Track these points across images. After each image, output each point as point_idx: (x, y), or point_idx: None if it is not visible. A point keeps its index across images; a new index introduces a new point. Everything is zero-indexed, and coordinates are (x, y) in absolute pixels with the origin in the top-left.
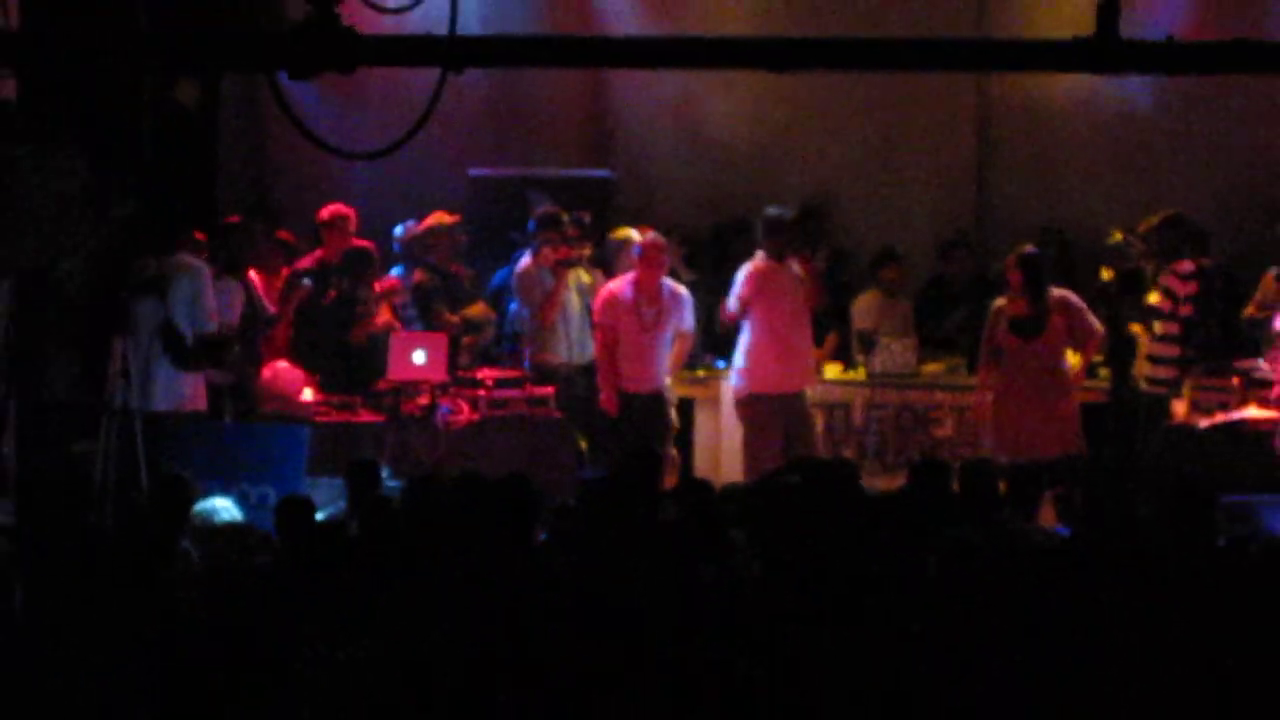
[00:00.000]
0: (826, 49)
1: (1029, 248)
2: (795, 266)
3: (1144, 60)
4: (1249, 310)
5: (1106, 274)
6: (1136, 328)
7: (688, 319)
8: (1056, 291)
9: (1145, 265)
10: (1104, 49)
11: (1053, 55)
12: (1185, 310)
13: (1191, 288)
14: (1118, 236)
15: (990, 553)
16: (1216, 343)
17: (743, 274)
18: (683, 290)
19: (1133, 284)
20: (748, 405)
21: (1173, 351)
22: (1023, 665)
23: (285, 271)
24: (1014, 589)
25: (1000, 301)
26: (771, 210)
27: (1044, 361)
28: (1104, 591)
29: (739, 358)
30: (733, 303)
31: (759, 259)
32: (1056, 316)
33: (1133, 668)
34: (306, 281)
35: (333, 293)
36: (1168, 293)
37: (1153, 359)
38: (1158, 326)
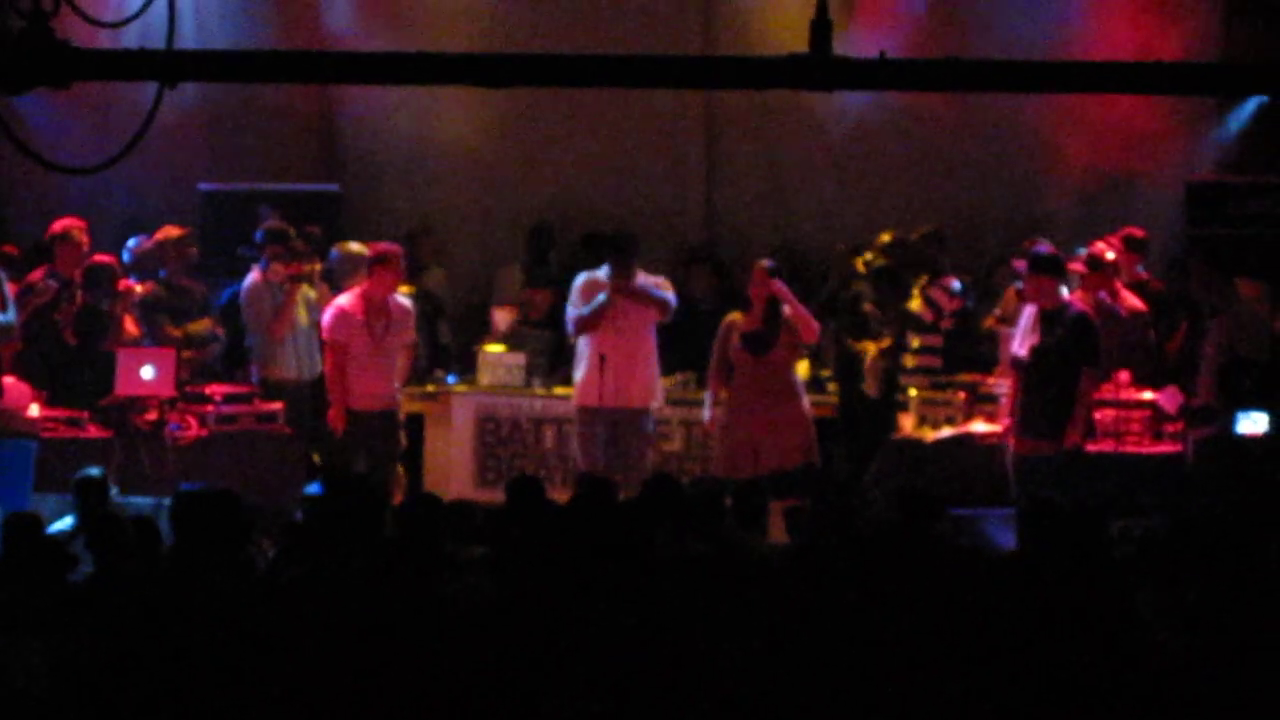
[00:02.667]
0: (547, 65)
1: (768, 262)
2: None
3: (857, 77)
4: (988, 321)
5: (860, 264)
6: (865, 344)
7: (413, 330)
8: (786, 309)
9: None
10: (818, 66)
11: (769, 72)
12: (947, 324)
13: (957, 304)
14: (885, 238)
15: (712, 564)
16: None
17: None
18: (407, 301)
19: (893, 284)
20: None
21: (934, 363)
22: (742, 674)
23: (12, 286)
24: (734, 600)
25: (733, 316)
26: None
27: (775, 374)
28: (822, 602)
29: None
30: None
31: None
32: (785, 332)
33: (850, 674)
34: (52, 281)
35: (73, 306)
36: (932, 304)
37: (914, 370)
38: (915, 340)
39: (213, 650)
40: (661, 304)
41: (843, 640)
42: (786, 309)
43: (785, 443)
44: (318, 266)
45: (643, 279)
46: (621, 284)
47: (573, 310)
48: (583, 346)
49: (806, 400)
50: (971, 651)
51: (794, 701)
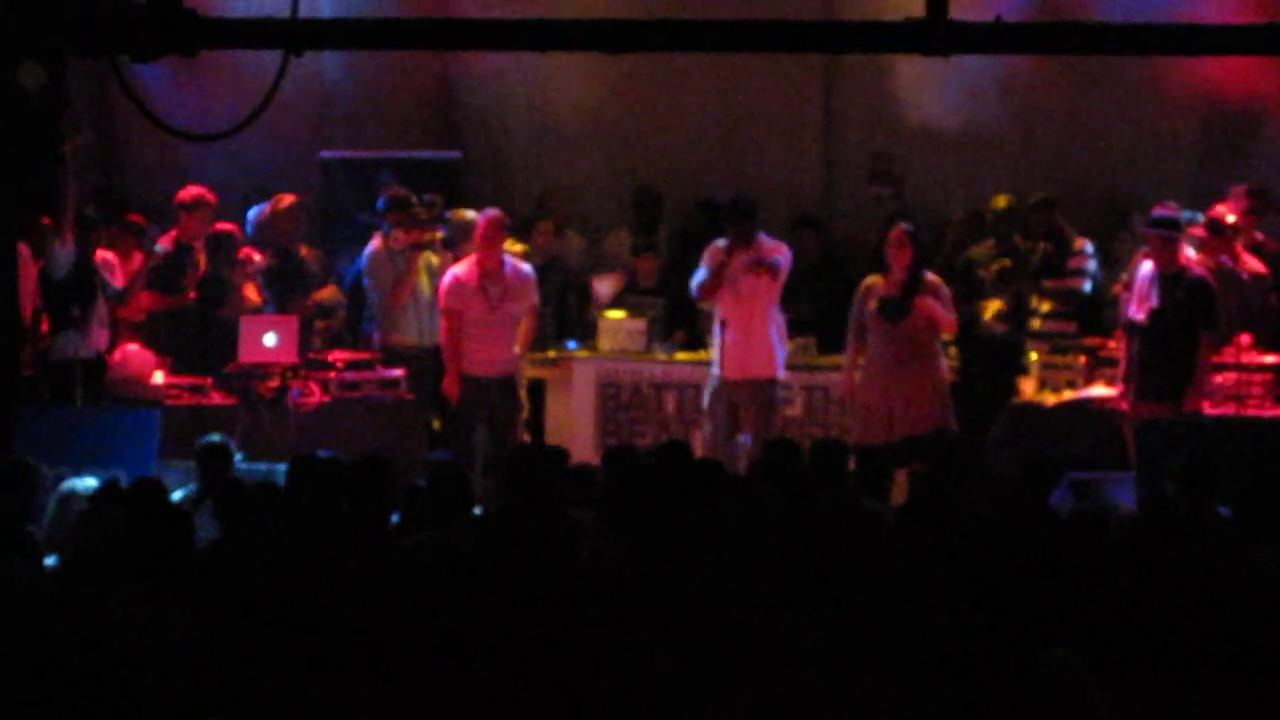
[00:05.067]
0: (666, 31)
1: (906, 225)
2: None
3: (973, 41)
4: (1116, 288)
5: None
6: (980, 304)
7: (533, 296)
8: (929, 276)
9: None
10: (934, 30)
11: (884, 36)
12: (1075, 284)
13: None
14: (1000, 203)
15: (823, 525)
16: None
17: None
18: (526, 267)
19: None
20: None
21: (1067, 327)
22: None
23: (138, 255)
24: (844, 561)
25: (871, 280)
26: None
27: (911, 340)
28: (933, 564)
29: None
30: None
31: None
32: (922, 300)
33: (965, 641)
34: (159, 248)
35: (197, 273)
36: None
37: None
38: (1045, 304)
39: (337, 616)
40: (771, 268)
41: (951, 602)
42: (931, 277)
43: (919, 409)
44: (439, 234)
45: (766, 244)
46: (738, 249)
47: (698, 275)
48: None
49: (944, 366)
50: (1092, 616)
51: (900, 662)
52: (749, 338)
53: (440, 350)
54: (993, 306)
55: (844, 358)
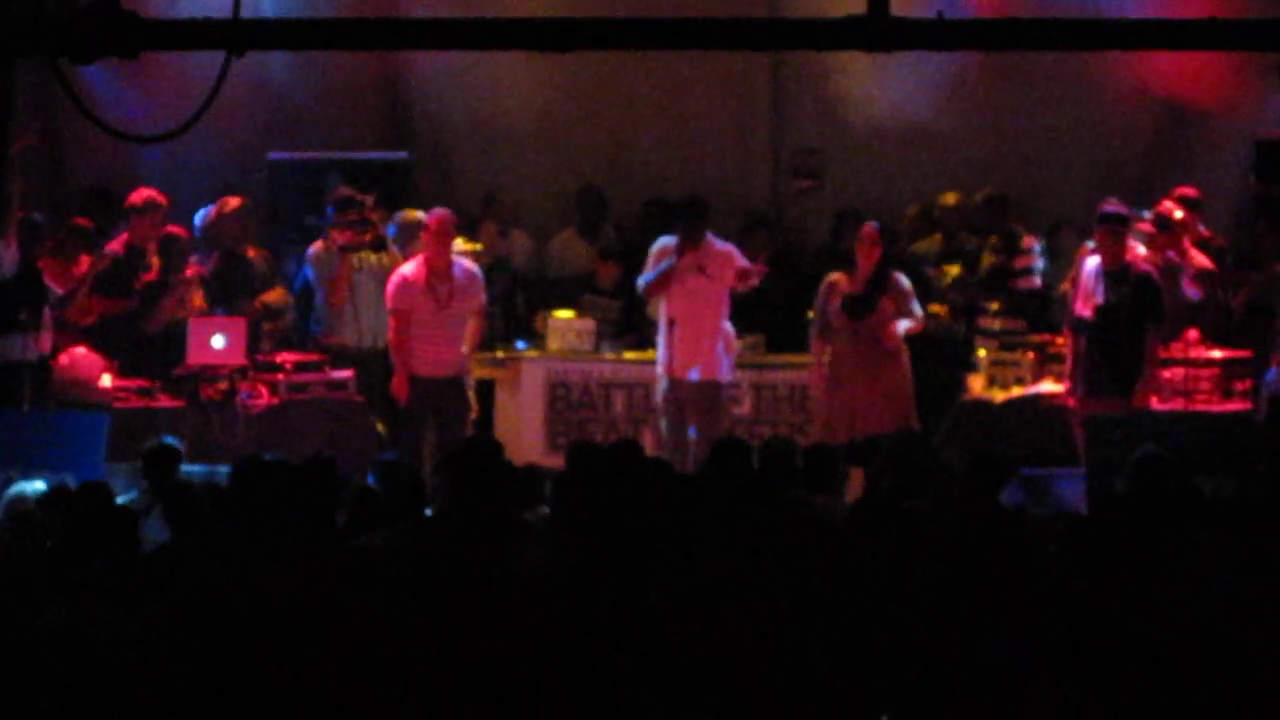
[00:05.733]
0: (610, 29)
1: (875, 224)
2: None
3: (914, 37)
4: (1063, 286)
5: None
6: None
7: (481, 296)
8: (895, 274)
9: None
10: (875, 26)
11: (826, 33)
12: (1025, 283)
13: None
14: (949, 200)
15: (777, 527)
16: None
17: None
18: (474, 267)
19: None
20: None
21: (1015, 325)
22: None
23: (85, 258)
24: (792, 560)
25: (834, 276)
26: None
27: (875, 338)
28: (882, 562)
29: None
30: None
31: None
32: (886, 299)
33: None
34: (107, 252)
35: (149, 275)
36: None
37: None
38: (993, 303)
39: (286, 618)
40: (745, 276)
41: (899, 601)
42: (896, 276)
43: (882, 408)
44: (375, 235)
45: (714, 245)
46: (687, 248)
47: (645, 275)
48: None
49: (907, 364)
50: (1040, 614)
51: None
52: (698, 339)
53: (380, 352)
54: (942, 308)
55: (809, 355)
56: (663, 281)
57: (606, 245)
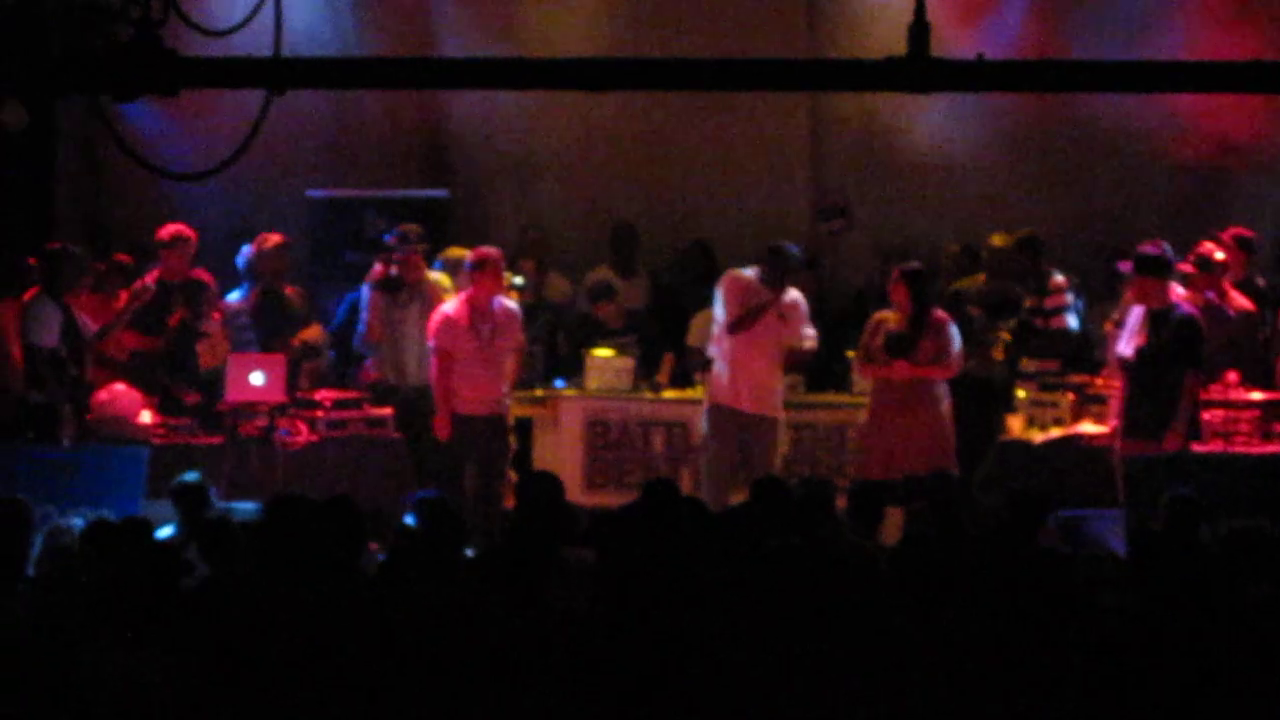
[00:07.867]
0: (652, 69)
1: (914, 264)
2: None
3: (954, 78)
4: (1108, 325)
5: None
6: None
7: (520, 334)
8: (938, 313)
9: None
10: (915, 67)
11: (865, 74)
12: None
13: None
14: (997, 241)
15: (814, 563)
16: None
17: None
18: (513, 305)
19: (1005, 307)
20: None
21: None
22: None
23: (124, 294)
24: (834, 600)
25: (881, 314)
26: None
27: (915, 379)
28: (923, 602)
29: None
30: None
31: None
32: (928, 340)
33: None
34: (150, 284)
35: (178, 314)
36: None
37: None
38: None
39: (323, 655)
40: (806, 354)
41: (942, 641)
42: (939, 316)
43: (919, 448)
44: (394, 270)
45: (791, 291)
46: (778, 293)
47: (723, 308)
48: (718, 348)
49: (947, 406)
50: (1078, 654)
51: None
52: (767, 376)
53: (420, 390)
54: (998, 349)
55: (847, 394)
56: (756, 319)
57: (594, 286)
